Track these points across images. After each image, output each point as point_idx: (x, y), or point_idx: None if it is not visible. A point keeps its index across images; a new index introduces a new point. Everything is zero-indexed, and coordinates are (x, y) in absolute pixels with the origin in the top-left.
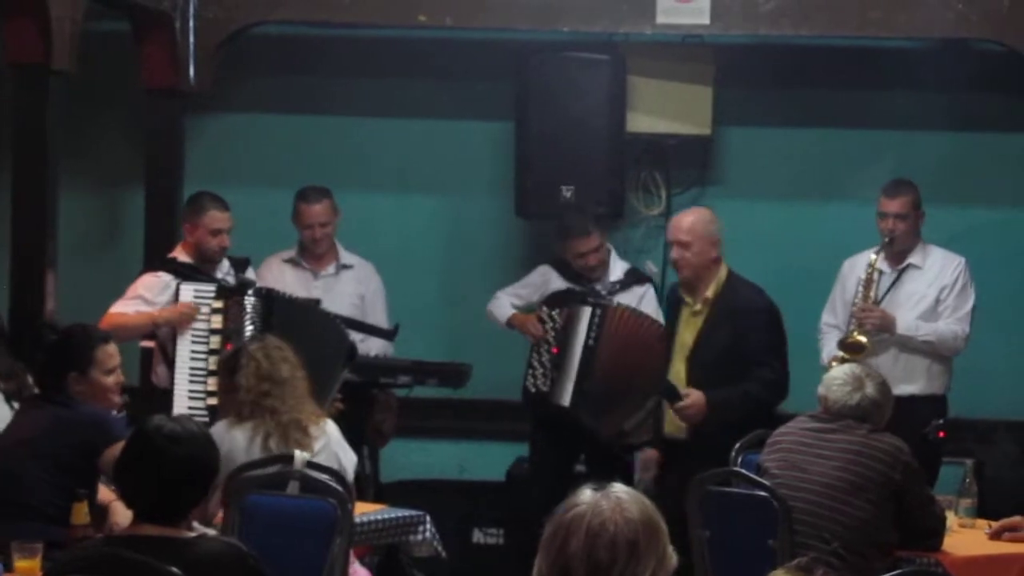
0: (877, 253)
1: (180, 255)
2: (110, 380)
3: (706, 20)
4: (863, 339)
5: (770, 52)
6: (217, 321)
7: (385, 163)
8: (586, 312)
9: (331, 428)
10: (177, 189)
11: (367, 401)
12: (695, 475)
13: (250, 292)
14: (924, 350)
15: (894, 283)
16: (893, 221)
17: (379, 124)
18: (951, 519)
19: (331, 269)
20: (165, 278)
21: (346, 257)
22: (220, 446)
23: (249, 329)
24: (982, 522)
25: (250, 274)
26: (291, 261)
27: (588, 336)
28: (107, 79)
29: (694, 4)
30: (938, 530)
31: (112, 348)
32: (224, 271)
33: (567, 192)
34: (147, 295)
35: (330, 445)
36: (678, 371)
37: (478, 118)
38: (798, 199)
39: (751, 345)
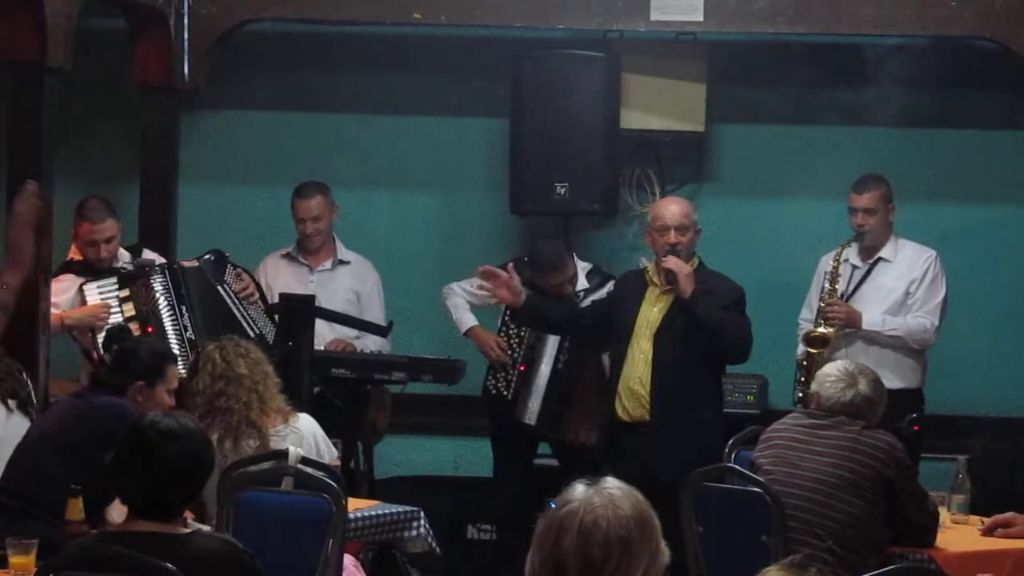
0: (843, 247)
1: (75, 254)
2: (169, 400)
3: (700, 17)
4: (826, 331)
5: (763, 49)
6: (129, 309)
7: (380, 160)
8: (554, 339)
9: (305, 424)
10: (172, 186)
11: (361, 397)
12: (657, 457)
13: (155, 272)
14: (892, 344)
15: (865, 277)
16: (862, 216)
17: (374, 121)
18: (944, 515)
19: (327, 264)
20: (66, 281)
21: (344, 253)
22: None
23: (165, 307)
24: (975, 518)
25: (147, 255)
26: (288, 256)
27: (557, 359)
28: (102, 76)
29: (688, 1)
30: (931, 527)
31: (178, 370)
32: (125, 260)
33: (561, 189)
34: (54, 299)
35: (304, 443)
36: (644, 349)
37: (472, 115)
38: (791, 196)
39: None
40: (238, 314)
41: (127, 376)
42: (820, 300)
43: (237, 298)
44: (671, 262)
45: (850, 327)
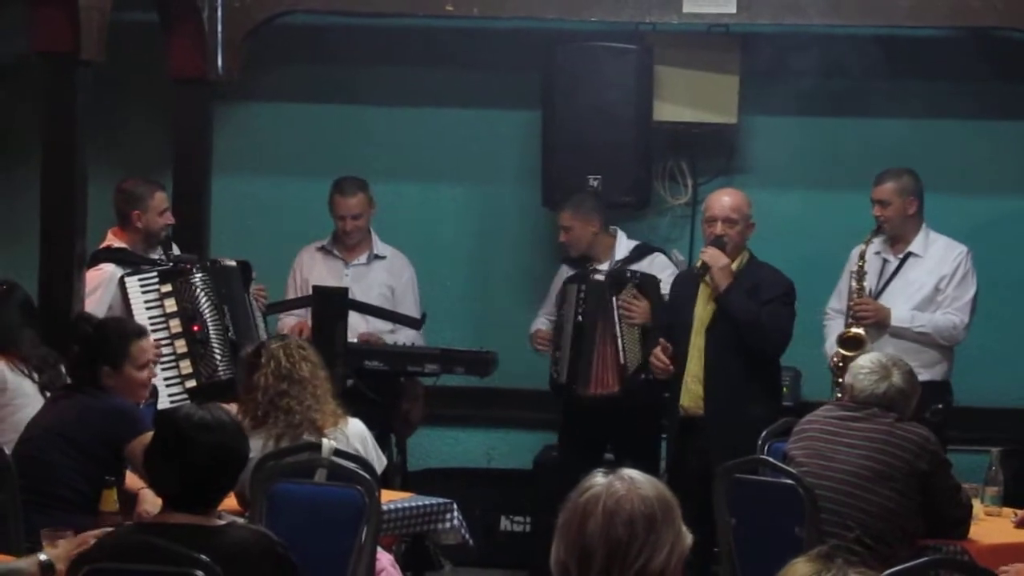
0: (868, 240)
1: (113, 242)
2: (143, 375)
3: (733, 9)
4: (860, 332)
5: (796, 41)
6: (170, 305)
7: (412, 152)
8: (572, 290)
9: (353, 430)
10: (205, 178)
11: (395, 390)
12: (711, 453)
13: (195, 269)
14: (920, 340)
15: (895, 272)
16: (878, 207)
17: (406, 113)
18: (977, 507)
19: (363, 259)
20: (108, 269)
21: (380, 247)
22: None
23: (205, 304)
24: (1008, 510)
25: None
26: (324, 249)
27: (576, 312)
28: (135, 69)
29: None
30: (964, 518)
31: (146, 343)
32: (156, 251)
33: (594, 181)
34: (97, 293)
35: (347, 448)
36: (698, 346)
37: (505, 107)
38: (824, 188)
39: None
40: (255, 324)
41: (92, 364)
42: (848, 299)
43: (254, 307)
44: (706, 254)
45: (879, 325)
